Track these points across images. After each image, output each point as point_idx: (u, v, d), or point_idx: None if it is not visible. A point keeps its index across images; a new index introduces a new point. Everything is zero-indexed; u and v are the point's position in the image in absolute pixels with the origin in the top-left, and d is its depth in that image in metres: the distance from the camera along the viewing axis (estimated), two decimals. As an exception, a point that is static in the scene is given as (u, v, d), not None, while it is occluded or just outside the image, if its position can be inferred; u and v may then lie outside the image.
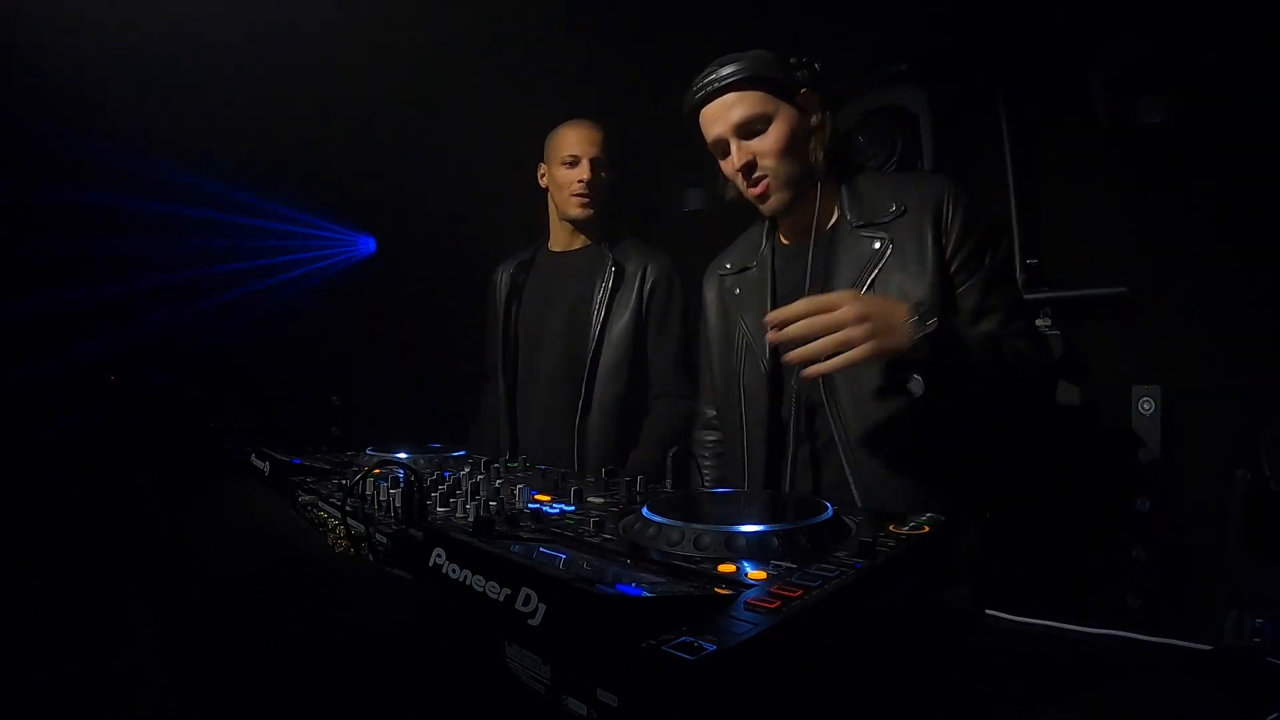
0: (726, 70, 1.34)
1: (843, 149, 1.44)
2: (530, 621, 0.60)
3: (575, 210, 2.02)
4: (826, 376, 1.28)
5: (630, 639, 0.55)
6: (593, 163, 1.98)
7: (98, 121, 2.57)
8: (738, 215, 1.70)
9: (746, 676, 0.56)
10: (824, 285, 1.36)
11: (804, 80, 1.36)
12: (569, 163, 1.99)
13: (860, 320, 1.09)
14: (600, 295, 1.99)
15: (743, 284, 1.54)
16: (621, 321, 1.98)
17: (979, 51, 2.42)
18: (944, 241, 1.29)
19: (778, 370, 1.43)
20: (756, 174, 1.37)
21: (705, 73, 1.37)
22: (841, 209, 1.40)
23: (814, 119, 1.38)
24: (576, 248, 2.11)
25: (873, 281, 1.31)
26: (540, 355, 2.08)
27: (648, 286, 1.99)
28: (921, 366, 1.17)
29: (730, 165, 1.39)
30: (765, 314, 1.37)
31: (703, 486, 1.64)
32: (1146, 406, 2.20)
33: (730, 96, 1.35)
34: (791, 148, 1.36)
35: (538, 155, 2.10)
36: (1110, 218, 2.29)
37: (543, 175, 2.09)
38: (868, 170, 1.47)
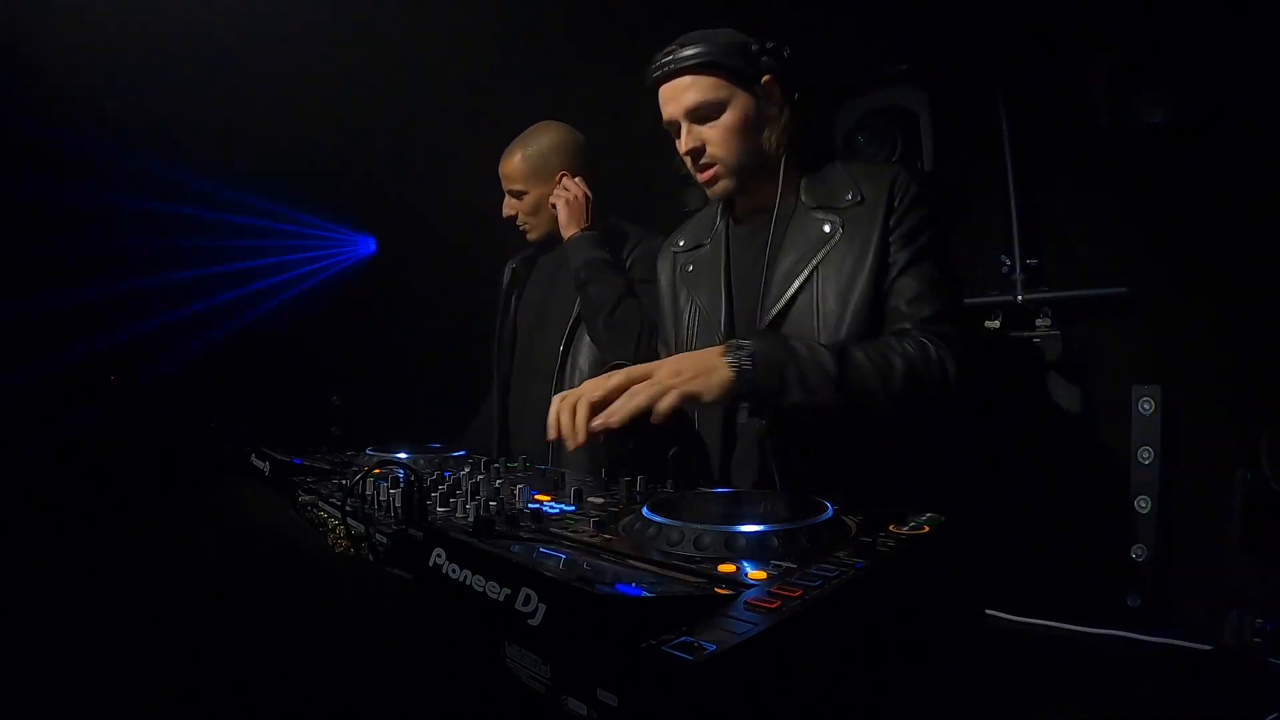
0: (685, 52, 1.32)
1: (804, 138, 1.42)
2: (530, 621, 0.60)
3: (529, 239, 2.07)
4: None
5: (630, 639, 0.55)
6: (512, 195, 2.01)
7: (98, 121, 2.57)
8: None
9: (746, 676, 0.56)
10: (772, 263, 1.36)
11: (766, 67, 1.34)
12: (505, 197, 2.04)
13: (673, 374, 1.09)
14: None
15: (695, 261, 1.53)
16: None
17: (979, 51, 2.42)
18: (889, 222, 1.29)
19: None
20: (704, 160, 1.36)
21: (666, 50, 1.35)
22: (798, 193, 1.39)
23: (772, 108, 1.37)
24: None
25: (818, 263, 1.32)
26: (533, 354, 2.08)
27: (628, 263, 1.98)
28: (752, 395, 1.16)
29: (680, 147, 1.38)
30: (718, 291, 1.42)
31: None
32: (1146, 406, 2.20)
33: (686, 79, 1.33)
34: (743, 137, 1.34)
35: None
36: (1110, 218, 2.29)
37: None
38: (837, 161, 1.45)
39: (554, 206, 1.96)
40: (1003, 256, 2.41)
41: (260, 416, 2.97)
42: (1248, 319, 2.04)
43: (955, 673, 0.79)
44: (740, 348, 1.13)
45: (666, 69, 1.34)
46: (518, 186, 2.00)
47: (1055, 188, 2.41)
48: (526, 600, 0.62)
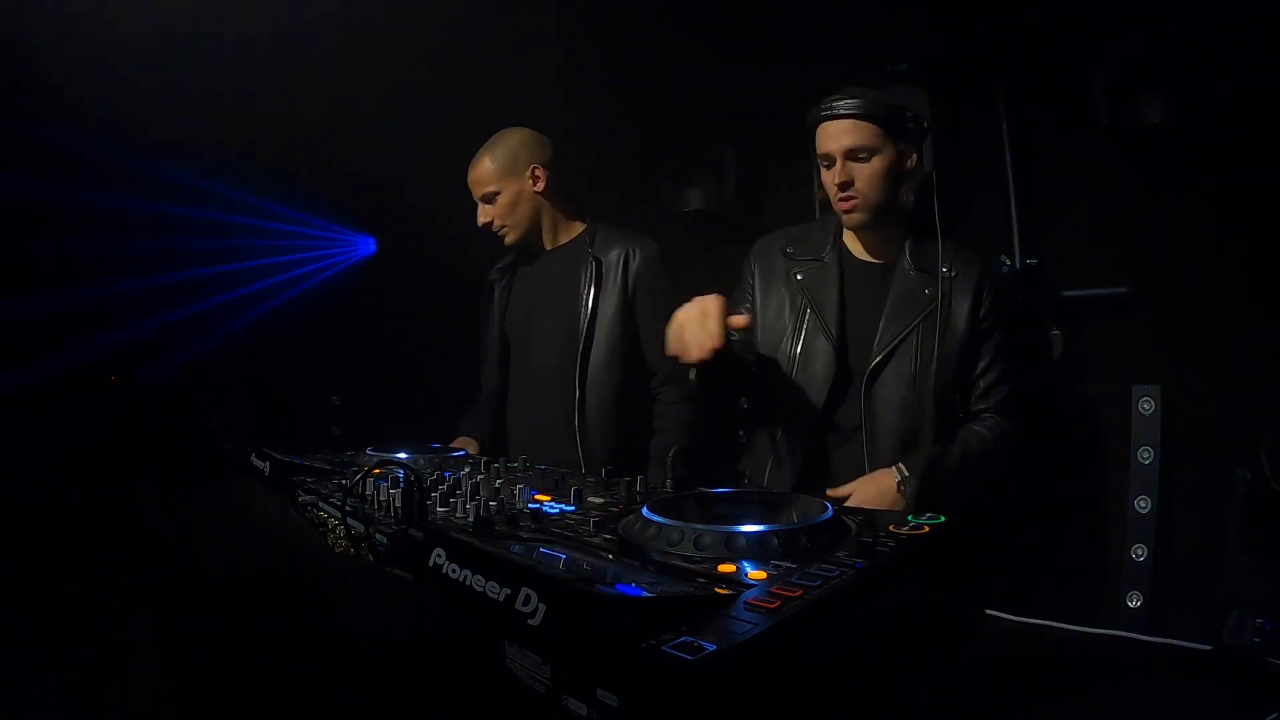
0: (854, 102, 1.57)
1: (925, 198, 1.68)
2: (530, 621, 0.60)
3: (507, 242, 2.06)
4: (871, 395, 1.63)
5: (630, 639, 0.55)
6: (484, 200, 2.00)
7: (98, 121, 2.57)
8: (738, 214, 1.71)
9: (746, 676, 0.56)
10: (882, 310, 1.64)
11: (913, 134, 1.63)
12: (477, 205, 2.03)
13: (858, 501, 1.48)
14: (586, 290, 1.97)
15: (808, 272, 1.72)
16: (609, 313, 1.97)
17: (979, 51, 2.42)
18: (979, 312, 1.63)
19: (842, 361, 1.65)
20: (850, 192, 1.59)
21: (835, 95, 1.59)
22: (902, 246, 1.67)
23: (911, 163, 1.64)
24: (556, 246, 2.10)
25: (918, 322, 1.61)
26: (531, 359, 2.07)
27: (631, 273, 1.98)
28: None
29: (831, 178, 1.61)
30: (835, 310, 1.67)
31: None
32: (1146, 406, 2.19)
33: (847, 123, 1.57)
34: (886, 182, 1.60)
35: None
36: (1110, 218, 2.29)
37: None
38: (927, 232, 1.69)
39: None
40: (1003, 256, 2.41)
41: (260, 416, 2.96)
42: (1248, 319, 2.04)
43: (955, 673, 0.79)
44: (907, 482, 1.52)
45: (836, 111, 1.58)
46: (491, 189, 1.99)
47: (1055, 188, 2.41)
48: (526, 600, 0.62)
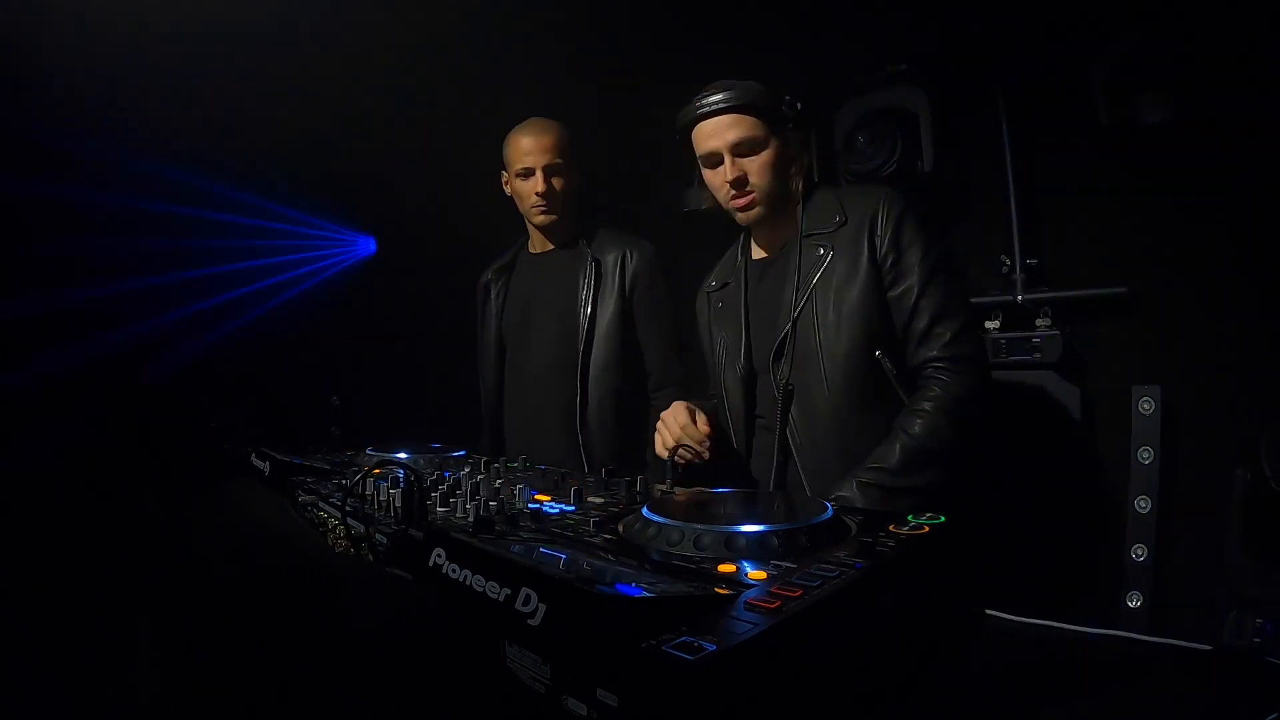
0: (727, 95, 1.48)
1: (808, 176, 1.61)
2: (530, 621, 0.60)
3: (539, 219, 2.01)
4: (790, 396, 1.50)
5: (630, 639, 0.55)
6: (546, 171, 1.94)
7: (98, 121, 2.57)
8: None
9: (746, 676, 0.56)
10: (778, 292, 1.53)
11: (792, 116, 1.53)
12: (523, 174, 1.96)
13: None
14: (584, 293, 1.96)
15: (724, 298, 1.68)
16: (608, 315, 1.96)
17: (979, 51, 2.42)
18: (877, 247, 1.44)
19: (751, 375, 1.59)
20: (747, 188, 1.52)
21: (705, 93, 1.51)
22: (798, 223, 1.55)
23: (794, 151, 1.56)
24: (554, 248, 2.08)
25: (815, 285, 1.48)
26: (528, 360, 2.06)
27: (629, 275, 1.97)
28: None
29: (720, 176, 1.52)
30: (739, 325, 1.61)
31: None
32: (1146, 406, 2.19)
33: (728, 118, 1.49)
34: (777, 171, 1.52)
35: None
36: (1110, 218, 2.29)
37: (506, 183, 2.05)
38: (823, 185, 1.62)
39: None
40: (1003, 256, 2.41)
41: (260, 416, 2.96)
42: (1248, 319, 2.04)
43: (955, 673, 0.79)
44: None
45: (710, 109, 1.49)
46: (559, 161, 1.94)
47: (1055, 188, 2.41)
48: (526, 600, 0.62)
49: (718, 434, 1.55)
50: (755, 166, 1.50)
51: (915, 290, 1.41)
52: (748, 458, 1.60)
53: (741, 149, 1.50)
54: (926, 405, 1.37)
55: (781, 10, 2.11)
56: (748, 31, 2.21)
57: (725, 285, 1.69)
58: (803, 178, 1.57)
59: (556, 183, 1.96)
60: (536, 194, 1.95)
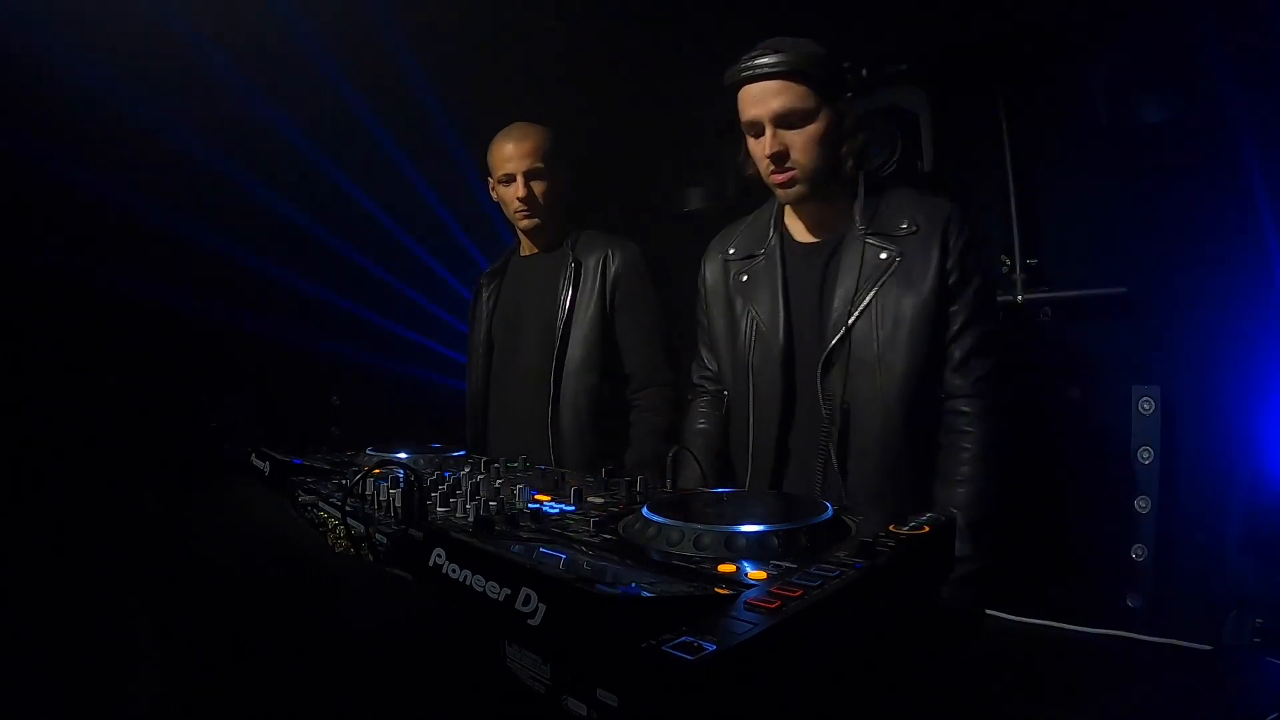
0: (777, 58, 1.34)
1: (866, 158, 1.47)
2: (530, 621, 0.60)
3: (522, 224, 2.01)
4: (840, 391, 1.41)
5: (630, 639, 0.55)
6: (527, 176, 1.93)
7: (98, 121, 2.57)
8: (738, 214, 1.70)
9: (746, 676, 0.56)
10: (832, 287, 1.43)
11: (850, 85, 1.40)
12: (505, 180, 1.96)
13: None
14: (563, 293, 1.96)
15: (750, 272, 1.56)
16: (587, 314, 1.95)
17: (979, 51, 2.42)
18: (946, 264, 1.38)
19: (790, 358, 1.48)
20: (787, 164, 1.39)
21: (755, 52, 1.37)
22: (852, 215, 1.44)
23: (850, 126, 1.42)
24: (540, 252, 2.08)
25: (874, 293, 1.39)
26: (513, 362, 2.06)
27: (610, 276, 1.95)
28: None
29: (760, 148, 1.40)
30: (776, 307, 1.48)
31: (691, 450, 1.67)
32: (1146, 406, 2.19)
33: (775, 84, 1.35)
34: (825, 147, 1.39)
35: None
36: (1110, 218, 2.29)
37: (491, 189, 2.05)
38: (890, 183, 1.51)
39: None
40: (1003, 256, 2.41)
41: (260, 416, 2.96)
42: (1248, 319, 2.04)
43: (955, 673, 0.79)
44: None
45: (757, 71, 1.36)
46: (540, 165, 1.93)
47: (1055, 187, 2.41)
48: (526, 600, 0.62)
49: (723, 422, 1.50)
50: (800, 141, 1.38)
51: (964, 316, 1.39)
52: (776, 437, 1.48)
53: (785, 120, 1.37)
54: (965, 469, 1.35)
55: (781, 10, 2.11)
56: (748, 31, 2.21)
57: (752, 257, 1.56)
58: (858, 159, 1.43)
59: (538, 187, 1.95)
60: (518, 199, 1.94)
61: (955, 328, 1.39)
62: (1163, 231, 2.19)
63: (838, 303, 1.42)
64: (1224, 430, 2.06)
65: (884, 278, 1.39)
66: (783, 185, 1.42)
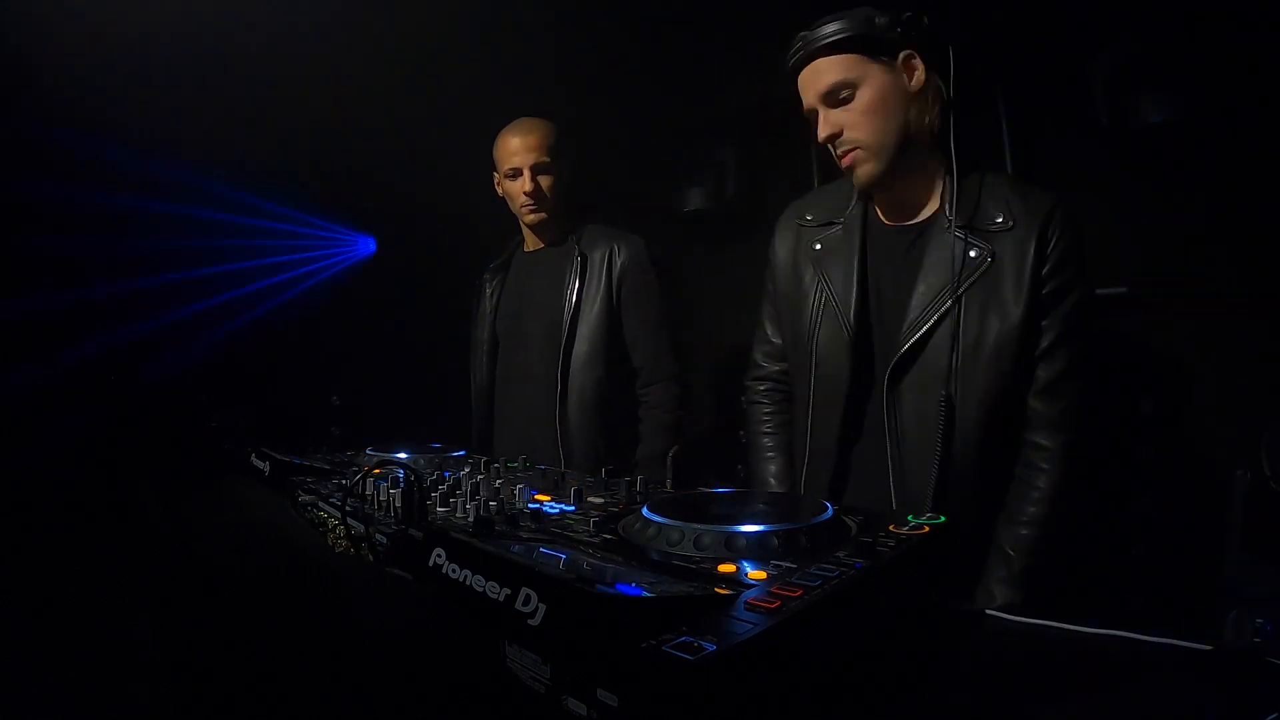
0: (818, 32, 1.24)
1: (962, 129, 1.28)
2: (530, 621, 0.60)
3: (528, 219, 2.01)
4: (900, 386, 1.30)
5: (630, 639, 0.55)
6: (533, 170, 1.93)
7: (99, 121, 2.57)
8: (738, 215, 1.70)
9: (746, 676, 0.56)
10: (913, 281, 1.29)
11: (901, 40, 1.22)
12: (511, 174, 1.96)
13: None
14: (570, 287, 1.96)
15: (826, 241, 1.42)
16: (594, 309, 1.95)
17: (979, 51, 2.42)
18: (1042, 270, 1.22)
19: (862, 336, 1.34)
20: (843, 146, 1.27)
21: (800, 34, 1.27)
22: (941, 201, 1.30)
23: (914, 82, 1.24)
24: (545, 246, 2.09)
25: (960, 297, 1.24)
26: (518, 358, 2.06)
27: (616, 270, 1.96)
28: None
29: (818, 135, 1.28)
30: (850, 286, 1.34)
31: (764, 438, 1.58)
32: (1146, 406, 2.20)
33: (821, 62, 1.24)
34: (882, 116, 1.24)
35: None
36: (1110, 218, 2.29)
37: (497, 184, 2.06)
38: (989, 169, 1.35)
39: None
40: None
41: (260, 416, 2.97)
42: (1248, 319, 2.04)
43: (955, 673, 0.79)
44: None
45: (798, 56, 1.27)
46: (546, 159, 1.93)
47: (1055, 188, 2.40)
48: (526, 600, 0.62)
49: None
50: (850, 117, 1.24)
51: (1056, 332, 1.23)
52: (842, 423, 1.35)
53: (832, 98, 1.24)
54: (1034, 510, 1.25)
55: (782, 9, 2.11)
56: (748, 31, 2.21)
57: (830, 225, 1.42)
58: (933, 121, 1.26)
59: (544, 182, 1.95)
60: (525, 194, 1.94)
61: (1045, 344, 1.23)
62: (1163, 231, 2.19)
63: (916, 300, 1.27)
64: (1224, 430, 2.06)
65: (972, 280, 1.23)
66: (850, 167, 1.28)
